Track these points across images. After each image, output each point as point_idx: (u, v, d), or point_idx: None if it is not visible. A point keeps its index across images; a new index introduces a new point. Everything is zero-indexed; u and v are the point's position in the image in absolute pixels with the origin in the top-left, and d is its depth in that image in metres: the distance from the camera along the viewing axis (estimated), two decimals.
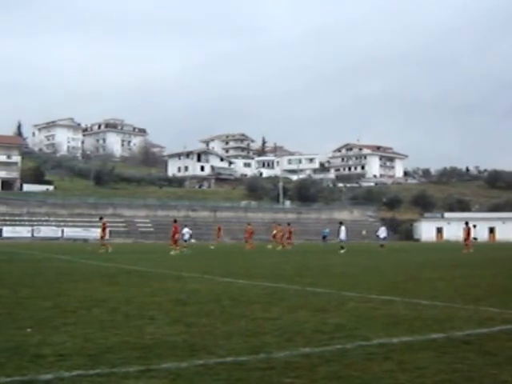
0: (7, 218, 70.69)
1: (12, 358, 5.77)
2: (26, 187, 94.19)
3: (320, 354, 6.16)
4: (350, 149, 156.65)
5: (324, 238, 55.92)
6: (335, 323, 8.06)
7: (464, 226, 38.57)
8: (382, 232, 42.66)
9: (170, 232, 37.45)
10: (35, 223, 69.79)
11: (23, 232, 66.32)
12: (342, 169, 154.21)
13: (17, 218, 71.13)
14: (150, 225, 78.75)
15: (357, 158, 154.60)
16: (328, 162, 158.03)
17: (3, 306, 9.42)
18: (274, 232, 45.17)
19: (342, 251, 34.58)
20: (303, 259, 28.16)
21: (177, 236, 36.13)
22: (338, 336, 7.14)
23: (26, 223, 69.92)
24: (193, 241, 46.32)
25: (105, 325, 7.74)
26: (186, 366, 5.55)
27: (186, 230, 41.44)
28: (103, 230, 36.02)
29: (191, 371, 5.38)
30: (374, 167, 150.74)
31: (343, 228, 37.69)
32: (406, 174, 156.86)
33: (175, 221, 37.75)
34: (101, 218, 38.36)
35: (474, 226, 38.65)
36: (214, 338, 7.00)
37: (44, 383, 4.93)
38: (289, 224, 45.51)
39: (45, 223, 69.83)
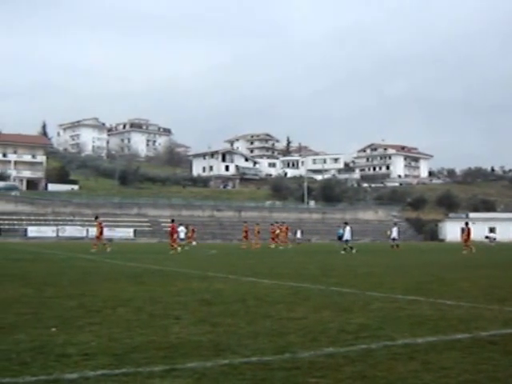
0: (32, 217, 71.50)
1: (37, 357, 5.78)
2: (51, 187, 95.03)
3: (345, 353, 6.13)
4: (375, 149, 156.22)
5: (339, 238, 55.92)
6: (360, 323, 8.03)
7: (464, 226, 38.45)
8: (394, 232, 42.23)
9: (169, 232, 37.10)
10: (60, 223, 70.54)
11: (48, 232, 67.01)
12: (366, 169, 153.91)
13: (42, 218, 71.91)
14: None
15: (381, 158, 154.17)
16: (353, 162, 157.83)
17: (28, 305, 9.47)
18: (278, 232, 44.93)
19: (351, 251, 34.52)
20: (326, 259, 28.02)
21: (175, 236, 36.08)
22: (362, 336, 7.11)
23: (51, 223, 70.67)
24: (194, 243, 46.41)
25: (130, 324, 7.74)
26: (210, 366, 5.53)
27: (181, 228, 42.01)
28: (99, 229, 35.96)
29: (216, 371, 5.36)
30: (398, 167, 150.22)
31: (348, 228, 37.51)
32: (430, 174, 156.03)
33: (173, 220, 37.97)
34: (96, 218, 38.47)
35: (492, 231, 38.49)
36: (239, 337, 6.98)
37: (69, 382, 4.92)
38: (283, 223, 45.48)
39: (69, 223, 70.52)
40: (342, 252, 34.46)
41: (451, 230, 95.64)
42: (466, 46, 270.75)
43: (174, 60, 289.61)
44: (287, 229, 45.71)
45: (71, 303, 9.80)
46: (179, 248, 34.39)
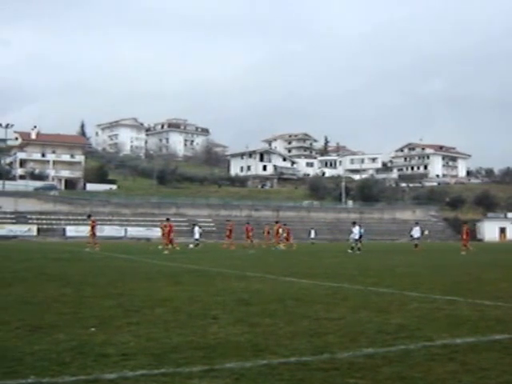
0: (71, 217, 72.57)
1: (76, 357, 5.81)
2: (90, 187, 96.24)
3: (383, 354, 6.10)
4: (413, 148, 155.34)
5: (360, 237, 55.58)
6: (398, 324, 7.98)
7: (463, 226, 37.99)
8: (416, 232, 41.63)
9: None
10: (98, 222, 71.38)
11: (86, 231, 67.92)
12: (404, 168, 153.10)
13: (80, 218, 72.83)
14: (212, 224, 79.28)
15: (419, 158, 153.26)
16: (390, 161, 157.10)
17: (68, 305, 9.57)
18: (281, 231, 44.53)
19: (358, 252, 34.31)
20: (364, 259, 27.75)
21: (172, 235, 35.81)
22: (401, 336, 7.07)
23: (89, 223, 71.62)
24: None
25: (168, 324, 7.75)
26: (249, 366, 5.52)
27: (196, 228, 42.56)
28: (92, 228, 35.98)
29: (254, 371, 5.34)
30: (436, 167, 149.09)
31: (357, 228, 37.31)
32: (468, 173, 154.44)
33: (168, 219, 38.05)
34: (89, 216, 38.70)
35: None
36: (278, 338, 6.95)
37: (108, 382, 4.93)
38: (277, 222, 45.05)
39: (108, 222, 71.35)
40: (349, 251, 34.31)
41: (489, 230, 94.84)
42: (504, 43, 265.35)
43: (212, 60, 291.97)
44: (287, 230, 45.15)
45: (110, 303, 9.87)
46: (169, 247, 33.90)
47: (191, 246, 40.74)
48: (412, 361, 5.82)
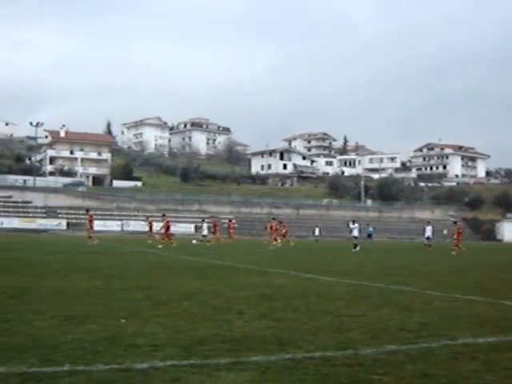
0: (98, 212, 73.21)
1: (109, 346, 6.03)
2: (116, 183, 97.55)
3: (406, 351, 6.17)
4: (432, 148, 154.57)
5: (369, 236, 55.46)
6: (420, 322, 8.04)
7: (453, 225, 37.41)
8: (428, 231, 41.30)
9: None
10: (124, 218, 72.23)
11: (113, 226, 68.76)
12: (423, 168, 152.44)
13: (107, 213, 73.74)
14: (234, 221, 79.67)
15: (438, 158, 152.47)
16: (409, 161, 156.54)
17: (98, 296, 9.84)
18: (284, 230, 44.32)
19: (356, 249, 34.17)
20: (383, 257, 27.71)
21: (170, 230, 36.04)
22: (423, 335, 7.12)
23: (116, 217, 72.42)
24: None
25: (195, 317, 7.95)
26: (274, 360, 5.64)
27: (205, 224, 43.08)
28: (90, 222, 36.14)
29: (280, 365, 5.47)
30: (455, 167, 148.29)
31: (357, 225, 37.41)
32: (488, 173, 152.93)
33: (164, 215, 37.92)
34: (87, 211, 38.91)
35: None
36: (302, 333, 7.08)
37: (140, 372, 5.09)
38: (273, 219, 44.88)
39: (133, 218, 72.07)
40: (357, 249, 34.22)
41: (509, 230, 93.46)
42: None
43: (233, 60, 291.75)
44: (285, 227, 44.96)
45: (138, 295, 10.10)
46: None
47: (194, 241, 40.98)
48: (435, 359, 5.88)
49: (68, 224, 68.08)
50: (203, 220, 45.06)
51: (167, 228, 35.83)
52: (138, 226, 67.28)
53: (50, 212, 70.63)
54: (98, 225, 68.15)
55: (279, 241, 40.28)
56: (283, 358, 5.74)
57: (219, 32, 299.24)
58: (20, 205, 70.78)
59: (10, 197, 71.56)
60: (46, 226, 66.05)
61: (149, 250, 28.61)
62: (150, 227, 43.76)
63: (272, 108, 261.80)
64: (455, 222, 37.39)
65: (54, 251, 24.97)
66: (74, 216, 69.61)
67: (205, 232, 42.71)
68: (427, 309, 9.43)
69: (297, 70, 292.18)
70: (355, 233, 36.89)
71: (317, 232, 59.28)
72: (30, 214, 68.84)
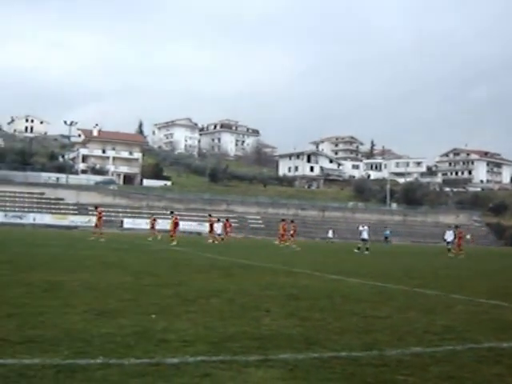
0: (128, 210, 74.29)
1: (140, 341, 6.16)
2: (146, 182, 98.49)
3: (431, 354, 6.22)
4: (458, 154, 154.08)
5: (386, 238, 54.96)
6: (445, 325, 8.07)
7: (454, 229, 36.75)
8: (449, 235, 40.72)
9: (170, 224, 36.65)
10: (154, 216, 72.75)
11: (142, 224, 69.17)
12: (448, 173, 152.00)
13: (137, 211, 74.47)
14: (260, 221, 79.91)
15: (464, 163, 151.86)
16: (435, 166, 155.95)
17: (128, 292, 10.02)
18: (292, 231, 43.86)
19: (359, 251, 33.84)
20: (410, 261, 27.54)
21: (177, 228, 36.21)
22: (448, 337, 7.16)
23: (145, 216, 73.01)
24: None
25: (223, 315, 8.07)
26: (302, 358, 5.74)
27: (220, 224, 43.65)
28: (99, 219, 36.46)
29: (307, 363, 5.56)
30: (481, 172, 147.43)
31: (366, 228, 37.14)
32: None
33: (172, 212, 37.99)
34: (96, 208, 39.09)
35: None
36: (328, 332, 7.17)
37: (171, 366, 5.21)
38: (283, 220, 44.55)
39: (162, 216, 72.55)
40: (356, 250, 33.95)
41: None
42: None
43: (263, 63, 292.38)
44: (294, 227, 44.66)
45: (168, 292, 10.26)
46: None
47: (210, 240, 41.15)
48: (459, 361, 5.92)
49: None
50: (218, 220, 45.38)
51: (175, 225, 35.92)
52: (167, 224, 67.72)
53: (82, 209, 71.57)
54: (128, 222, 69.15)
55: (287, 241, 40.31)
56: (310, 356, 5.83)
57: (249, 36, 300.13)
58: (52, 201, 71.87)
59: (42, 193, 72.68)
60: (76, 222, 66.95)
61: (176, 248, 28.84)
62: (153, 225, 44.05)
63: (300, 111, 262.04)
64: (457, 227, 36.83)
65: (84, 247, 25.34)
66: (104, 213, 70.52)
67: (219, 231, 42.93)
68: (451, 312, 9.47)
69: (325, 74, 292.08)
70: (364, 235, 36.69)
71: (330, 234, 59.57)
72: (62, 211, 69.88)
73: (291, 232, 42.05)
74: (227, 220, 46.65)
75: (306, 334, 6.95)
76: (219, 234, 42.41)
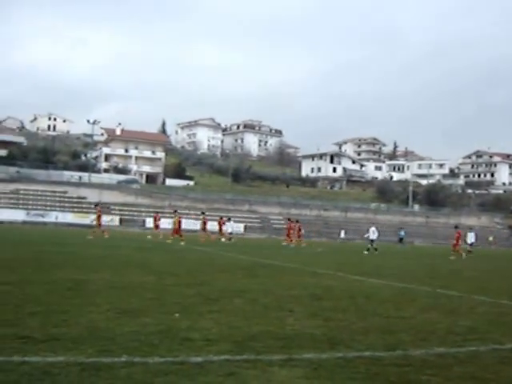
0: (151, 209, 74.44)
1: (164, 340, 6.19)
2: (169, 182, 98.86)
3: (454, 354, 6.22)
4: (480, 156, 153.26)
5: (400, 240, 54.38)
6: (468, 326, 8.06)
7: (454, 229, 36.05)
8: (471, 237, 40.20)
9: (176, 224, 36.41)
10: (158, 214, 73.09)
11: (164, 223, 69.44)
12: (471, 175, 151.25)
13: (159, 210, 74.77)
14: (283, 222, 79.76)
15: (486, 166, 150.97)
16: (458, 168, 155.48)
17: (151, 291, 10.05)
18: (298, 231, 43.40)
19: (368, 252, 33.35)
20: (432, 262, 27.30)
21: (181, 227, 36.00)
22: (471, 338, 7.16)
23: (168, 215, 73.40)
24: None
25: (246, 314, 8.08)
26: (325, 358, 5.73)
27: (231, 223, 43.93)
28: (98, 217, 36.39)
29: (331, 363, 5.56)
30: (503, 175, 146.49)
31: (373, 229, 36.63)
32: None
33: (175, 211, 37.98)
34: (96, 205, 39.18)
35: None
36: (351, 332, 7.16)
37: (195, 365, 5.22)
38: (289, 219, 44.28)
39: (185, 216, 72.84)
40: (365, 252, 33.60)
41: None
42: None
43: (286, 65, 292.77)
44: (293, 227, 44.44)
45: (190, 291, 10.29)
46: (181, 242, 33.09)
47: (223, 239, 41.22)
48: (482, 362, 5.92)
49: (121, 220, 69.32)
50: (229, 219, 45.41)
51: (178, 224, 35.87)
52: (189, 224, 68.02)
53: (104, 208, 71.93)
54: (150, 222, 69.51)
55: (294, 241, 40.17)
56: (334, 356, 5.83)
57: (273, 36, 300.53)
58: (75, 200, 72.50)
59: (65, 192, 73.30)
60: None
61: (198, 247, 28.91)
62: (157, 224, 44.15)
63: (323, 112, 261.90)
64: (456, 227, 36.25)
65: (107, 246, 25.52)
66: (126, 213, 70.93)
67: (230, 230, 43.06)
68: (474, 313, 9.46)
69: (348, 76, 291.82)
70: (372, 236, 36.41)
71: (342, 234, 59.48)
72: (84, 210, 70.41)
73: (298, 232, 42.03)
74: (221, 218, 46.43)
75: (329, 334, 6.95)
76: (230, 233, 42.51)
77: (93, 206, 43.55)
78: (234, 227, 45.83)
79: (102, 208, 39.95)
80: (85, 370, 4.87)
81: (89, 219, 66.48)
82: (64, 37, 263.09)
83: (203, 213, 43.14)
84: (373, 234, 36.44)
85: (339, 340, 6.63)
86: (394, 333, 7.27)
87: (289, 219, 44.31)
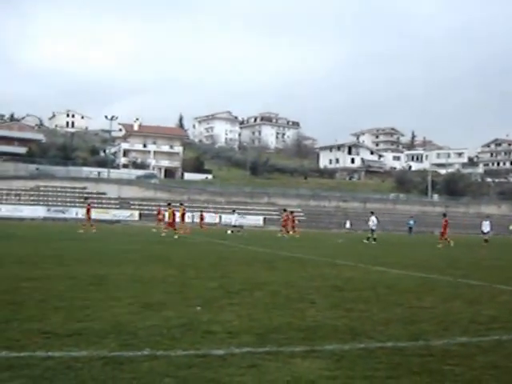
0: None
1: (186, 333, 6.22)
2: (187, 176, 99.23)
3: (477, 343, 6.19)
4: (499, 144, 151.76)
5: (410, 229, 53.75)
6: (490, 315, 8.00)
7: (442, 218, 35.18)
8: (486, 226, 39.43)
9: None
10: (195, 210, 73.33)
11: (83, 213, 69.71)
12: (490, 164, 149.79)
13: (178, 205, 75.14)
14: (302, 214, 79.65)
15: (506, 154, 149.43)
16: (477, 156, 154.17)
17: (173, 285, 10.11)
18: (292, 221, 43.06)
19: (374, 242, 33.24)
20: (453, 252, 27.08)
21: (177, 219, 35.96)
22: (493, 327, 7.12)
23: (187, 209, 73.67)
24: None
25: (268, 306, 8.09)
26: (348, 349, 5.73)
27: (235, 215, 44.09)
28: (88, 211, 36.40)
29: (353, 354, 5.55)
30: None
31: (373, 218, 35.91)
32: None
33: (169, 203, 37.93)
34: (85, 199, 39.13)
35: None
36: (373, 323, 7.15)
37: (217, 358, 5.24)
38: (285, 210, 44.10)
39: (204, 210, 73.13)
40: (365, 241, 33.27)
41: None
42: None
43: (303, 56, 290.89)
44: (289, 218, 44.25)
45: (211, 284, 10.33)
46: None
47: (229, 231, 41.13)
48: (506, 351, 5.88)
49: (140, 215, 69.71)
50: (234, 211, 45.37)
51: (173, 217, 35.49)
52: (208, 217, 68.23)
53: (123, 203, 72.51)
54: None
55: (290, 232, 40.01)
56: (356, 347, 5.82)
57: (289, 28, 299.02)
58: (94, 196, 73.00)
59: (84, 188, 73.82)
60: (118, 216, 67.85)
61: (219, 241, 29.00)
62: (160, 217, 44.21)
63: (340, 103, 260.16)
64: (444, 215, 35.42)
65: (128, 241, 25.70)
66: (146, 207, 71.26)
67: (233, 222, 43.02)
68: (496, 302, 9.39)
69: (365, 66, 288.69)
70: (372, 225, 35.73)
71: (348, 225, 58.99)
72: (104, 205, 70.92)
73: (292, 223, 41.96)
74: (201, 211, 45.96)
75: (351, 325, 6.94)
76: (234, 226, 42.30)
77: (83, 200, 43.45)
78: (238, 220, 45.47)
79: (91, 203, 39.91)
80: (108, 364, 4.91)
81: (109, 214, 67.66)
82: (81, 34, 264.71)
83: (182, 204, 42.36)
84: (372, 223, 35.78)
85: (361, 331, 6.62)
86: (415, 323, 7.24)
87: (284, 210, 44.03)
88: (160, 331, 6.22)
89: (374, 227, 35.73)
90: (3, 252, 16.28)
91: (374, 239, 34.19)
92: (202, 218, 47.44)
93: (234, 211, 45.68)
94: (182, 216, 40.65)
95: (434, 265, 17.53)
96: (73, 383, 4.42)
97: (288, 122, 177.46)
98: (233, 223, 43.32)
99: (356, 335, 6.37)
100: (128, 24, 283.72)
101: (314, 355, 5.40)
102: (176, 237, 30.96)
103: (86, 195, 50.12)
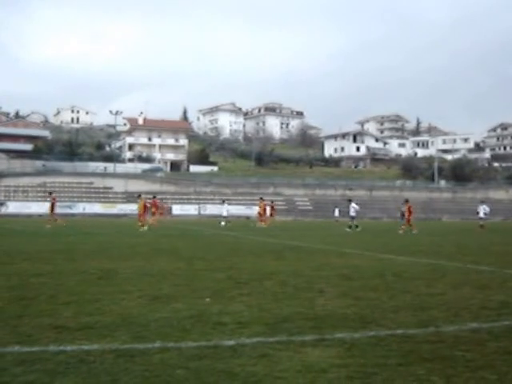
0: (176, 196, 75.01)
1: (196, 324, 6.25)
2: (193, 168, 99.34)
3: (488, 329, 6.18)
4: (505, 128, 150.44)
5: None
6: (501, 300, 7.98)
7: (404, 203, 34.68)
8: (483, 210, 38.84)
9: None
10: (201, 202, 73.43)
11: (191, 210, 69.99)
12: (497, 148, 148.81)
13: (185, 197, 75.14)
14: (308, 203, 79.67)
15: None
16: (483, 141, 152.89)
17: (182, 277, 10.15)
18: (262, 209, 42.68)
19: (358, 229, 33.13)
20: (461, 238, 27.03)
21: (155, 211, 36.09)
22: (504, 313, 7.10)
23: (193, 201, 73.74)
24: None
25: (277, 296, 8.11)
26: (358, 337, 5.74)
27: (225, 206, 43.39)
28: (52, 205, 36.12)
29: (364, 342, 5.57)
30: None
31: (353, 205, 35.58)
32: None
33: (154, 197, 37.58)
34: (50, 194, 38.90)
35: None
36: (383, 311, 7.15)
37: (228, 348, 5.26)
38: (261, 198, 43.64)
39: (210, 202, 73.19)
40: (348, 229, 33.08)
41: None
42: None
43: (306, 45, 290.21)
44: (272, 207, 43.98)
45: (220, 276, 10.36)
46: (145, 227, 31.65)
47: (222, 223, 40.91)
48: None
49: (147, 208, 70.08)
50: (223, 201, 45.19)
51: (144, 209, 34.89)
52: (214, 209, 68.37)
53: (130, 197, 72.59)
54: (177, 209, 70.02)
55: (266, 221, 39.75)
56: (366, 335, 5.84)
57: (292, 17, 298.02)
58: (101, 190, 73.17)
59: (91, 183, 74.04)
60: (125, 210, 67.95)
61: (227, 232, 29.03)
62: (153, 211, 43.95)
63: (344, 91, 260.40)
64: (407, 201, 34.75)
65: (136, 234, 25.77)
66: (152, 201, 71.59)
67: (225, 213, 42.66)
68: (507, 287, 9.37)
69: (369, 52, 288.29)
70: (352, 212, 35.30)
71: (337, 213, 58.68)
72: (111, 200, 71.10)
73: (270, 212, 41.87)
74: (161, 200, 45.30)
75: (360, 313, 6.95)
76: (225, 217, 42.00)
77: (47, 194, 42.88)
78: (229, 210, 45.18)
79: (55, 196, 39.45)
80: (120, 357, 4.94)
81: (116, 209, 67.85)
82: (83, 29, 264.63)
83: (50, 193, 40.21)
84: (353, 210, 35.40)
85: (371, 319, 6.63)
86: (425, 310, 7.24)
87: (261, 198, 43.49)
88: (170, 323, 6.26)
89: (353, 214, 35.28)
90: (13, 248, 16.34)
91: (357, 226, 33.97)
92: (273, 208, 45.55)
93: (223, 201, 45.24)
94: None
95: (442, 251, 17.50)
96: (86, 376, 4.45)
97: (292, 112, 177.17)
98: (224, 214, 42.92)
99: (366, 323, 6.38)
100: (130, 18, 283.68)
101: (324, 344, 5.41)
102: (143, 229, 30.42)
103: (50, 190, 49.66)
